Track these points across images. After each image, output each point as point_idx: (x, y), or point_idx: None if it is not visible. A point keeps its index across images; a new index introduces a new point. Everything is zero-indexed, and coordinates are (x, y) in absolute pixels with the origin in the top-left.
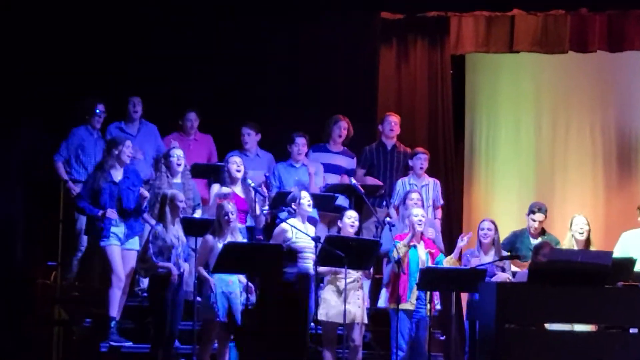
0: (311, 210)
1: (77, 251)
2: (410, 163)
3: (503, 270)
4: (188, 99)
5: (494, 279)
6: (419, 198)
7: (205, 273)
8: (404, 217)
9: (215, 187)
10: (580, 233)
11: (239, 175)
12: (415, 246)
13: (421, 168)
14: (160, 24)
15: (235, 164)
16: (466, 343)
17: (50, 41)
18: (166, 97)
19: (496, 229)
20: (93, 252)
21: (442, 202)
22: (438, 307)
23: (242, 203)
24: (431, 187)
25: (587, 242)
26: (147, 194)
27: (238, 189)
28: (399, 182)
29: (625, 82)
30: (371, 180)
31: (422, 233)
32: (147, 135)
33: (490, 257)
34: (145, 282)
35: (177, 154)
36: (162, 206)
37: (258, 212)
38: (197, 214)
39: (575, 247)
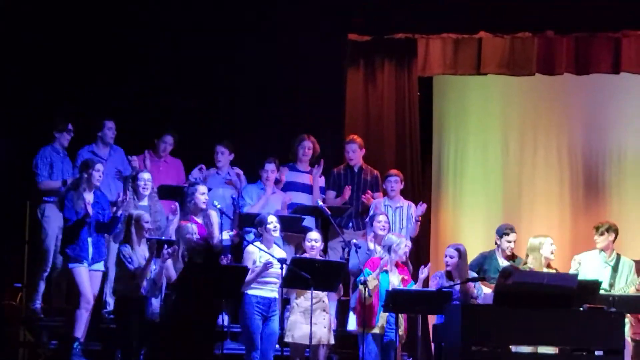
0: (277, 235)
1: (43, 272)
2: (384, 186)
3: (465, 294)
4: (156, 119)
5: (482, 297)
6: (386, 221)
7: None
8: (371, 237)
9: (175, 220)
10: (553, 253)
11: (204, 206)
12: (386, 271)
13: (392, 190)
14: (129, 44)
15: (205, 195)
16: None
17: (20, 61)
18: (133, 116)
19: (460, 256)
20: (59, 272)
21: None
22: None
23: (201, 230)
24: (405, 209)
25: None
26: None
27: (199, 218)
28: (373, 203)
29: (591, 104)
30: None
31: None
32: (117, 159)
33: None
34: (112, 304)
35: (145, 177)
36: (128, 227)
37: (217, 234)
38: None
39: (545, 268)
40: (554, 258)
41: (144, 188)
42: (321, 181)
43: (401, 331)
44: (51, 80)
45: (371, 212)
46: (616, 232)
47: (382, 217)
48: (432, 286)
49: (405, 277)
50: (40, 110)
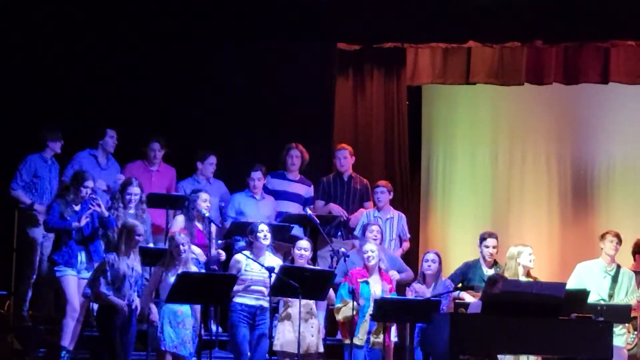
0: (267, 244)
1: (31, 279)
2: (373, 197)
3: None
4: (144, 126)
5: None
6: (379, 231)
7: (150, 303)
8: (361, 248)
9: (180, 219)
10: (531, 261)
11: (208, 213)
12: (367, 282)
13: (379, 201)
14: (120, 52)
15: (207, 202)
16: None
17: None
18: (125, 124)
19: (440, 262)
20: (47, 280)
21: (408, 235)
22: (394, 339)
23: (202, 237)
24: (396, 220)
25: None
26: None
27: (199, 224)
28: (364, 213)
29: (580, 114)
30: (335, 210)
31: (379, 268)
32: (113, 169)
33: (432, 290)
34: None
35: (134, 192)
36: (120, 235)
37: (212, 243)
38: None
39: (523, 278)
40: (534, 267)
41: (130, 201)
42: (310, 191)
43: (380, 339)
44: (43, 87)
45: (361, 223)
46: (620, 242)
47: (374, 227)
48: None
49: (390, 286)
50: (30, 117)
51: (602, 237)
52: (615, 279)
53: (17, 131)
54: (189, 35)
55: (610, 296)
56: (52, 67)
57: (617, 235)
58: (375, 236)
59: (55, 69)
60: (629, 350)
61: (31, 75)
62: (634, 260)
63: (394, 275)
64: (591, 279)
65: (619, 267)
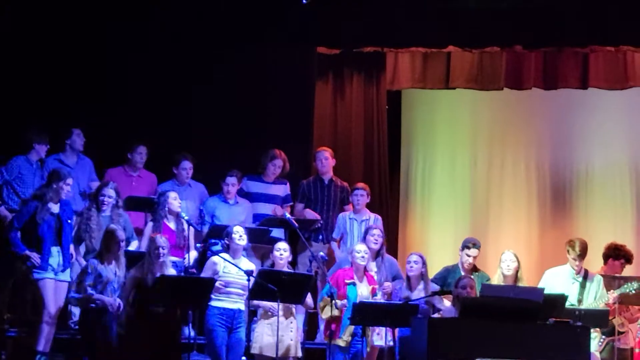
0: (243, 244)
1: (9, 280)
2: (350, 199)
3: (433, 307)
4: (124, 131)
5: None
6: (380, 235)
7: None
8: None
9: (150, 226)
10: (507, 268)
11: (179, 209)
12: (354, 283)
13: (358, 203)
14: (103, 57)
15: (177, 200)
16: None
17: None
18: (105, 129)
19: (424, 263)
20: (25, 282)
21: (384, 236)
22: (378, 342)
23: (174, 238)
24: (371, 222)
25: (515, 277)
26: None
27: (172, 224)
28: (340, 216)
29: (559, 119)
30: (310, 214)
31: (365, 269)
32: (83, 169)
33: (418, 292)
34: (77, 315)
35: (108, 193)
36: (103, 241)
37: (191, 245)
38: (133, 246)
39: (503, 283)
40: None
41: (104, 204)
42: (287, 188)
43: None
44: (24, 90)
45: (338, 224)
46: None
47: (376, 231)
48: (394, 296)
49: (376, 286)
50: (26, 117)
51: (567, 246)
52: (583, 284)
53: (15, 132)
54: (169, 39)
55: (580, 301)
56: (51, 67)
57: (581, 256)
58: (376, 240)
59: (53, 69)
60: (600, 352)
61: (30, 75)
62: (605, 263)
63: (388, 287)
64: (560, 285)
65: (586, 272)
